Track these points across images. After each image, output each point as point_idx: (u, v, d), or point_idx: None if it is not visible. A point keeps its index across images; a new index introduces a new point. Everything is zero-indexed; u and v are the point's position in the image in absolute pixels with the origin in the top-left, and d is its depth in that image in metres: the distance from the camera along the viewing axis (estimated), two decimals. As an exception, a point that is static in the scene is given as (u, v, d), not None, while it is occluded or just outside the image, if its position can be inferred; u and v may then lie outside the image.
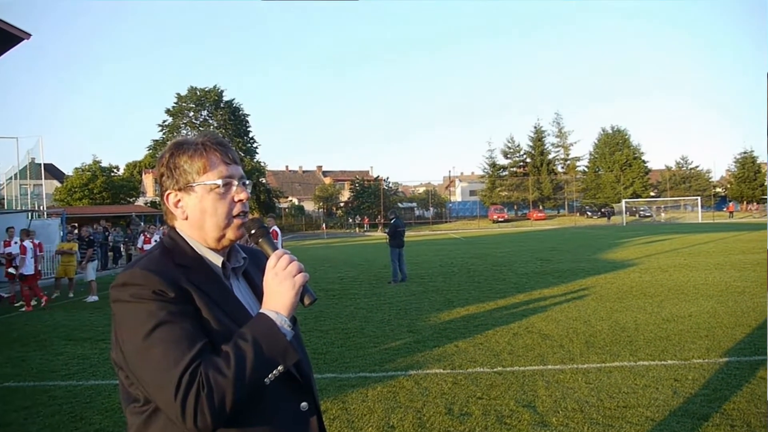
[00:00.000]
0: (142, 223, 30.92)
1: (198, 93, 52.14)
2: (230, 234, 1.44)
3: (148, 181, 65.33)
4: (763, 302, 8.88)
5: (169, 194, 1.44)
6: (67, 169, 58.90)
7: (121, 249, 23.55)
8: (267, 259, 1.52)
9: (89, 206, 44.63)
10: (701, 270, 13.63)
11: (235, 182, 1.45)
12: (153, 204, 52.38)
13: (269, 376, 1.25)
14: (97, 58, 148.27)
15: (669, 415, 4.39)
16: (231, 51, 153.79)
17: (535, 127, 67.70)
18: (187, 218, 1.44)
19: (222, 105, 53.06)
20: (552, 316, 8.55)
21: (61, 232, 16.82)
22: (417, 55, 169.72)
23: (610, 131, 68.09)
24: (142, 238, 14.11)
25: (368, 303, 10.63)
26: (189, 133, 52.57)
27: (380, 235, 44.74)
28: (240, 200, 1.44)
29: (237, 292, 1.45)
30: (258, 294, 1.52)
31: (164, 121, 52.57)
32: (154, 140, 53.50)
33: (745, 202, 65.24)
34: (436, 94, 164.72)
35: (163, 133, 52.60)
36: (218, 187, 1.41)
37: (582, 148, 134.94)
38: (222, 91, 53.10)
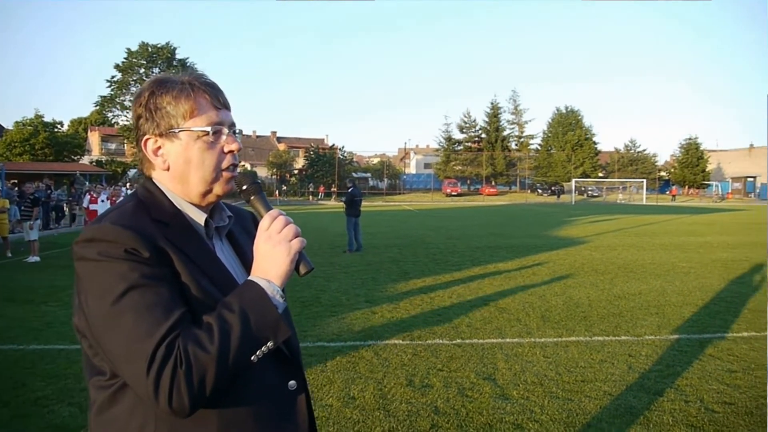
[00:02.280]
0: (87, 183, 29.76)
1: (150, 49, 49.95)
2: (217, 189, 1.26)
3: (93, 139, 62.78)
4: (709, 283, 9.19)
5: (147, 140, 1.25)
6: (7, 123, 56.01)
7: (65, 208, 22.59)
8: (255, 223, 1.36)
9: (30, 162, 42.64)
10: (648, 250, 14.04)
11: (226, 130, 1.26)
12: (99, 163, 50.53)
13: (257, 353, 1.10)
14: (42, 8, 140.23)
15: (626, 389, 4.47)
16: (185, 8, 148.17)
17: (492, 104, 68.13)
18: (168, 168, 1.25)
19: (175, 63, 51.12)
20: (508, 290, 8.62)
21: (1, 188, 15.92)
22: (377, 28, 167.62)
23: (564, 111, 69.16)
24: (87, 197, 13.51)
25: (324, 272, 10.49)
26: (139, 90, 50.56)
27: (334, 204, 44.49)
28: (230, 151, 1.26)
29: (220, 255, 1.28)
30: (243, 259, 1.36)
31: (113, 77, 50.24)
32: (101, 96, 51.21)
33: (687, 187, 67.64)
34: (395, 66, 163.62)
35: (112, 90, 50.33)
36: (207, 134, 1.22)
37: (536, 127, 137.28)
38: (175, 49, 51.08)
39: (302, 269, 1.21)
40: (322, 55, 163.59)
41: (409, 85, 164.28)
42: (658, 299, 7.94)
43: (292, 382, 1.29)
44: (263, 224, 1.19)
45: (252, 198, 1.27)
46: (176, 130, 1.22)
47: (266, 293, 1.12)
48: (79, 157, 51.26)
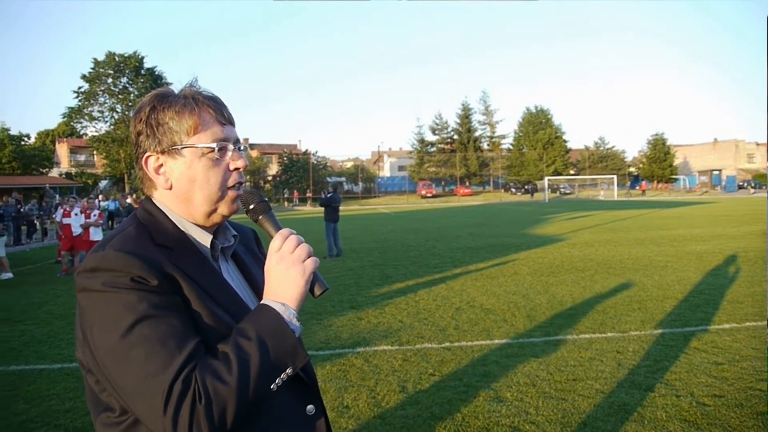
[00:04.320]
0: (57, 196, 29.17)
1: (117, 59, 49.17)
2: (223, 209, 1.21)
3: (62, 151, 61.58)
4: (686, 276, 9.35)
5: (149, 157, 1.19)
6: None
7: (36, 223, 22.07)
8: (257, 240, 1.32)
9: (-3, 177, 41.72)
10: (624, 245, 14.23)
11: (231, 147, 1.21)
12: (68, 175, 49.58)
13: (276, 381, 1.06)
14: (4, 14, 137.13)
15: (617, 386, 4.51)
16: (152, 17, 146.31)
17: (463, 105, 68.61)
18: (171, 188, 1.19)
19: (143, 72, 50.42)
20: (491, 291, 8.66)
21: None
22: (346, 31, 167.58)
23: (534, 111, 69.93)
24: (61, 210, 13.15)
25: (306, 279, 10.39)
26: (107, 101, 49.77)
27: (310, 209, 44.27)
28: (236, 168, 1.22)
29: (227, 277, 1.23)
30: (251, 280, 1.32)
31: (80, 88, 49.30)
32: (69, 108, 50.26)
33: (656, 181, 68.93)
34: (366, 69, 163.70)
35: (79, 100, 49.46)
36: (212, 151, 1.18)
37: (507, 127, 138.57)
38: (143, 58, 50.37)
39: (317, 290, 1.18)
40: (292, 60, 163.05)
41: (381, 88, 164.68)
42: (639, 294, 8.04)
43: (310, 407, 1.25)
44: (274, 245, 1.15)
45: (260, 217, 1.24)
46: (179, 147, 1.17)
47: (283, 318, 1.08)
48: (47, 169, 50.29)
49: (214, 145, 1.18)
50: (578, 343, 5.77)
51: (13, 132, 48.31)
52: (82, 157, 61.80)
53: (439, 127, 69.00)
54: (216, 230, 1.27)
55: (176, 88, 1.26)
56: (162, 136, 1.18)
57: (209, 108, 1.20)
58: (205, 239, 1.22)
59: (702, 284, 8.60)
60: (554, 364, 5.12)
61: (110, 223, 22.25)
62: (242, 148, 1.26)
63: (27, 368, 5.60)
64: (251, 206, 1.24)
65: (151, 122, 1.19)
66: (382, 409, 4.24)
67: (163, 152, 1.19)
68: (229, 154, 1.21)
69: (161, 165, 1.20)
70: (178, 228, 1.20)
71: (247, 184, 63.62)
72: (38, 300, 9.31)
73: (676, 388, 4.41)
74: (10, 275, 12.21)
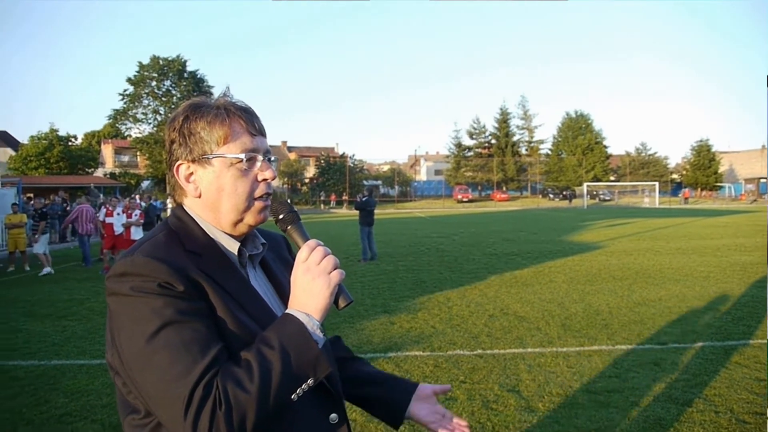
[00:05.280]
0: (102, 195, 30.03)
1: (161, 62, 50.43)
2: (249, 218, 1.22)
3: (107, 151, 63.38)
4: (729, 287, 9.07)
5: (180, 165, 1.21)
6: (23, 137, 56.67)
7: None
8: (289, 248, 1.33)
9: (46, 176, 43.13)
10: (664, 254, 13.89)
11: (260, 157, 1.22)
12: (112, 175, 50.94)
13: (297, 391, 1.06)
14: (55, 21, 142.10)
15: (653, 400, 4.40)
16: (195, 21, 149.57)
17: (501, 109, 68.01)
18: (200, 196, 1.21)
19: (186, 75, 51.54)
20: (526, 298, 8.56)
21: (18, 202, 16.07)
22: (385, 36, 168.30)
23: (574, 115, 68.89)
24: (104, 210, 13.55)
25: (340, 282, 10.45)
26: (151, 103, 50.99)
27: (346, 212, 44.51)
28: (264, 179, 1.23)
29: (254, 284, 1.25)
30: (278, 288, 1.33)
31: (125, 90, 50.74)
32: (114, 110, 51.74)
33: (699, 189, 67.07)
34: (405, 73, 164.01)
35: (124, 103, 50.84)
36: (241, 161, 1.19)
37: (546, 131, 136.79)
38: (185, 61, 51.50)
39: (341, 302, 1.17)
40: (332, 66, 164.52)
41: (419, 92, 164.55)
42: (679, 305, 7.84)
43: (333, 415, 1.25)
44: (301, 255, 1.15)
45: (289, 228, 1.24)
46: (209, 157, 1.19)
47: (306, 328, 1.09)
48: (93, 169, 51.77)
49: (242, 155, 1.19)
50: (614, 354, 5.66)
51: (61, 133, 49.85)
52: (125, 158, 63.44)
53: (477, 131, 68.57)
54: (245, 238, 1.28)
55: (217, 91, 1.28)
56: (193, 145, 1.20)
57: (240, 119, 1.22)
58: (232, 246, 1.23)
59: (745, 296, 8.33)
60: (588, 375, 5.03)
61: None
62: (272, 159, 1.27)
63: (68, 363, 5.77)
64: (281, 216, 1.25)
65: (183, 131, 1.21)
66: (412, 415, 4.23)
67: (193, 161, 1.21)
68: (258, 164, 1.23)
69: (192, 173, 1.22)
70: (207, 235, 1.22)
71: (285, 186, 64.77)
72: (80, 297, 9.60)
73: (715, 404, 4.28)
74: (50, 269, 12.64)
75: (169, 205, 16.90)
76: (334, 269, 1.14)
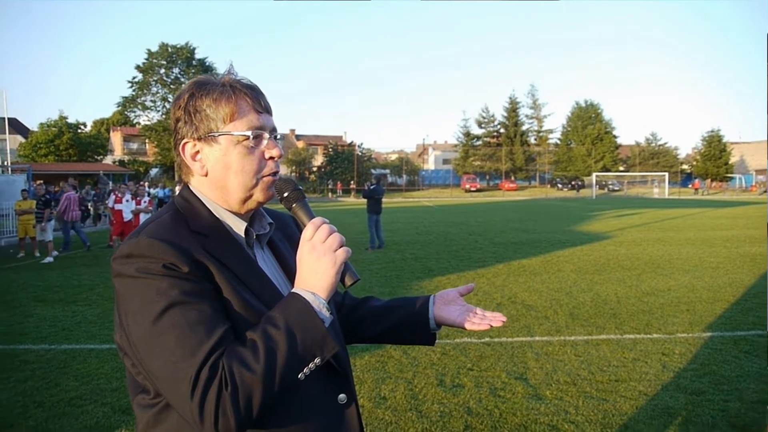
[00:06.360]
0: (111, 182, 30.18)
1: (169, 50, 50.45)
2: (258, 195, 1.21)
3: (116, 139, 63.59)
4: (739, 278, 9.02)
5: (186, 143, 1.20)
6: (32, 125, 56.94)
7: (89, 208, 22.87)
8: (297, 226, 1.31)
9: (55, 163, 43.36)
10: (674, 244, 13.82)
11: (267, 135, 1.21)
12: (121, 162, 51.18)
13: (304, 370, 1.05)
14: (64, 7, 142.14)
15: (661, 389, 4.39)
16: (204, 7, 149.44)
17: (510, 98, 67.67)
18: (206, 174, 1.20)
19: (194, 63, 51.54)
20: (533, 287, 8.54)
21: (28, 189, 16.19)
22: (393, 25, 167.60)
23: (584, 105, 68.41)
24: (113, 197, 13.61)
25: (347, 269, 10.47)
26: (160, 91, 51.02)
27: (353, 200, 44.54)
28: (271, 157, 1.21)
29: (262, 265, 1.24)
30: (286, 268, 1.31)
31: (134, 78, 50.85)
32: (123, 97, 51.89)
33: (709, 180, 66.57)
34: (414, 62, 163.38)
35: (133, 90, 50.98)
36: (247, 139, 1.17)
37: (555, 121, 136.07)
38: (194, 49, 51.53)
39: (348, 280, 1.16)
40: (341, 53, 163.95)
41: (428, 83, 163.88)
42: (688, 295, 7.80)
43: (341, 396, 1.25)
44: (306, 234, 1.15)
45: (294, 205, 1.23)
46: (215, 134, 1.18)
47: (312, 307, 1.08)
48: (102, 157, 51.93)
49: (249, 132, 1.18)
50: (622, 343, 5.64)
51: (71, 120, 49.98)
52: (134, 145, 63.66)
53: (486, 120, 68.23)
54: (251, 218, 1.27)
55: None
56: (199, 123, 1.18)
57: (246, 96, 1.20)
58: (239, 226, 1.22)
59: (755, 287, 8.28)
60: (596, 363, 5.02)
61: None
62: (278, 137, 1.25)
63: (78, 347, 5.81)
64: (285, 194, 1.23)
65: (189, 109, 1.19)
66: (419, 401, 4.24)
67: (199, 139, 1.19)
68: (265, 142, 1.21)
69: (198, 152, 1.20)
70: (214, 215, 1.21)
71: (293, 174, 64.81)
72: (90, 282, 9.66)
73: (725, 392, 4.27)
74: (50, 259, 12.75)
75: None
76: (340, 247, 1.13)
